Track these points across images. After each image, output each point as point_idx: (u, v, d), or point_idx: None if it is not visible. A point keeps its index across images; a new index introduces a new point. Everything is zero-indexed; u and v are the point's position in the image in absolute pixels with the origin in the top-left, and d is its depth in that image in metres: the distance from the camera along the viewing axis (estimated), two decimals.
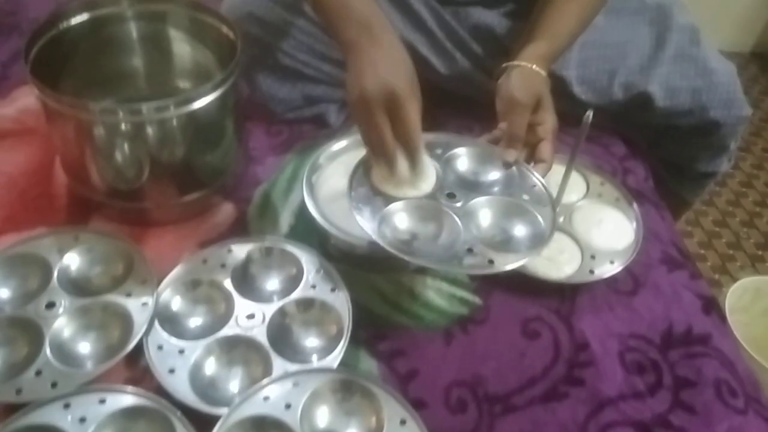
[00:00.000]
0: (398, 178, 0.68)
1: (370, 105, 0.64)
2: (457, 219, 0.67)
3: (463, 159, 0.76)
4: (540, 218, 0.69)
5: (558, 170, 0.83)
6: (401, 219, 0.67)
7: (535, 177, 0.74)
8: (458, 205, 0.69)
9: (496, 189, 0.73)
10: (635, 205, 0.83)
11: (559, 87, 0.95)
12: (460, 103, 0.97)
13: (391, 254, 0.63)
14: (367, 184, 0.70)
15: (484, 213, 0.69)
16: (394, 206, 0.68)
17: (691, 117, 0.96)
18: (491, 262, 0.63)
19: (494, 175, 0.74)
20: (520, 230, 0.69)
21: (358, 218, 0.66)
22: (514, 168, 0.75)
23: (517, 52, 0.83)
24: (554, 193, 0.79)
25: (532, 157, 0.77)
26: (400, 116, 0.65)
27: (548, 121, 0.78)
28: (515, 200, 0.71)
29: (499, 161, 0.75)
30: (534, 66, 0.79)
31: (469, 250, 0.64)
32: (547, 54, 0.82)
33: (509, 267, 0.63)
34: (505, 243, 0.67)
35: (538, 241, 0.67)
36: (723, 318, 0.77)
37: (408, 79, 0.67)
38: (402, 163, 0.68)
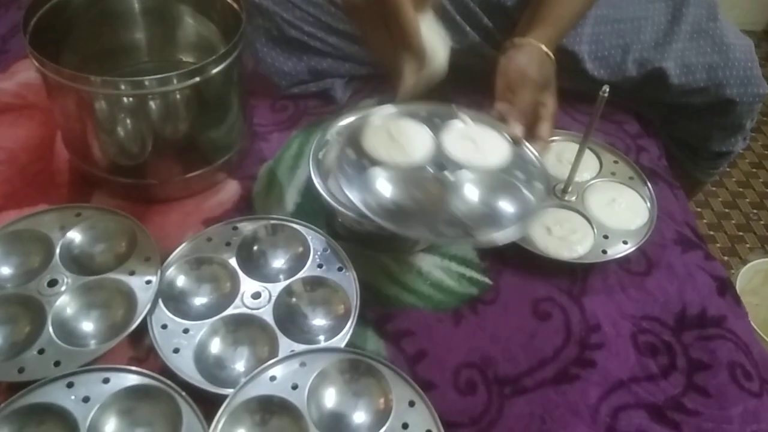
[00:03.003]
0: (393, 134, 0.66)
1: (359, 8, 0.63)
2: (443, 189, 0.66)
3: (457, 132, 0.74)
4: (530, 196, 0.67)
5: (571, 148, 0.81)
6: (385, 186, 0.65)
7: (532, 154, 0.73)
8: (447, 175, 0.67)
9: (490, 163, 0.71)
10: (649, 185, 0.81)
11: (570, 63, 0.92)
12: (470, 78, 0.95)
13: (396, 233, 0.61)
14: (355, 148, 0.67)
15: (473, 186, 0.68)
16: (380, 173, 0.65)
17: (707, 95, 0.94)
18: (470, 234, 0.62)
19: (490, 148, 0.73)
20: (507, 206, 0.67)
21: (341, 182, 0.64)
22: (511, 144, 0.73)
23: (524, 28, 0.81)
24: (567, 173, 0.77)
25: (530, 135, 0.76)
26: (394, 18, 0.62)
27: (550, 103, 0.78)
28: (506, 176, 0.69)
29: (496, 136, 0.74)
30: (544, 47, 0.78)
31: (451, 221, 0.63)
32: (554, 37, 0.81)
33: (488, 240, 0.63)
34: (490, 217, 0.66)
35: (525, 218, 0.66)
36: (738, 300, 0.75)
37: None
38: (408, 69, 0.65)
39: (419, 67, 0.65)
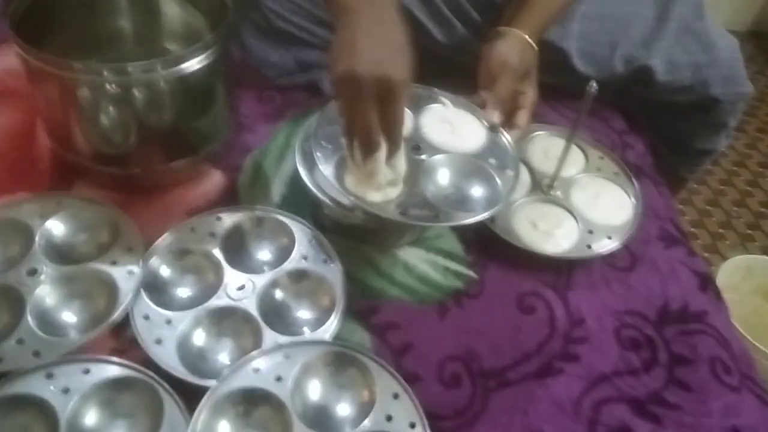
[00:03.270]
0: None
1: (359, 86, 0.57)
2: (416, 171, 0.66)
3: (436, 114, 0.75)
4: (499, 182, 0.68)
5: (557, 143, 0.81)
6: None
7: (507, 142, 0.74)
8: (422, 157, 0.68)
9: (465, 147, 0.72)
10: (634, 181, 0.82)
11: (558, 59, 0.93)
12: (458, 72, 0.95)
13: (385, 225, 0.61)
14: (332, 124, 0.67)
15: (445, 169, 0.69)
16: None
17: (692, 93, 0.95)
18: (437, 217, 0.63)
19: (466, 133, 0.74)
20: (477, 191, 0.68)
21: (316, 157, 0.65)
22: (489, 130, 0.74)
23: (509, 18, 0.81)
24: (553, 168, 0.78)
25: (507, 123, 0.77)
26: (391, 106, 0.59)
27: (530, 92, 0.79)
28: (479, 161, 0.70)
29: (474, 121, 0.75)
30: (527, 37, 0.79)
31: (419, 203, 0.64)
32: (538, 27, 0.81)
33: (452, 224, 0.64)
34: (459, 202, 0.67)
35: (493, 203, 0.67)
36: (719, 295, 0.76)
37: (406, 66, 0.60)
38: (381, 155, 0.61)
39: (389, 158, 0.62)
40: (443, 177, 0.69)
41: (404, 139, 0.65)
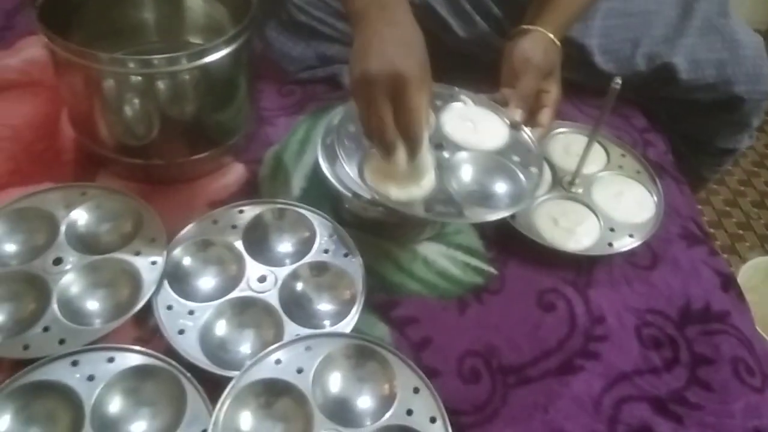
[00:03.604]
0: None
1: (373, 87, 0.57)
2: (439, 169, 0.66)
3: (458, 112, 0.74)
4: (523, 179, 0.68)
5: (579, 140, 0.81)
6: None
7: (530, 139, 0.73)
8: (445, 155, 0.68)
9: (487, 145, 0.71)
10: (657, 179, 0.81)
11: (580, 56, 0.92)
12: (479, 68, 0.94)
13: (406, 220, 0.61)
14: (354, 122, 0.66)
15: (468, 166, 0.69)
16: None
17: (715, 91, 0.93)
18: (461, 214, 0.63)
19: (488, 131, 0.73)
20: (501, 187, 0.68)
21: (340, 156, 0.64)
22: (511, 128, 0.74)
23: (532, 16, 0.81)
24: (574, 165, 0.77)
25: (531, 121, 0.76)
26: (405, 103, 0.58)
27: (554, 91, 0.78)
28: (502, 158, 0.70)
29: (496, 119, 0.74)
30: (551, 35, 0.79)
31: (446, 200, 0.64)
32: (562, 25, 0.81)
33: (477, 221, 0.65)
34: (483, 198, 0.67)
35: (518, 201, 0.66)
36: (741, 296, 0.76)
37: (419, 63, 0.59)
38: (401, 155, 0.61)
39: (409, 158, 0.62)
40: (466, 174, 0.68)
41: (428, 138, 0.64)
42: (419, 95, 0.59)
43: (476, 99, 0.76)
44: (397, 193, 0.63)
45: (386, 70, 0.57)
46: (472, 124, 0.73)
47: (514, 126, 0.74)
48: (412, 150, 0.62)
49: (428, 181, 0.65)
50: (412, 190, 0.64)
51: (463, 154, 0.69)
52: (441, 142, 0.69)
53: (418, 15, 0.65)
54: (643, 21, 0.93)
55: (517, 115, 0.74)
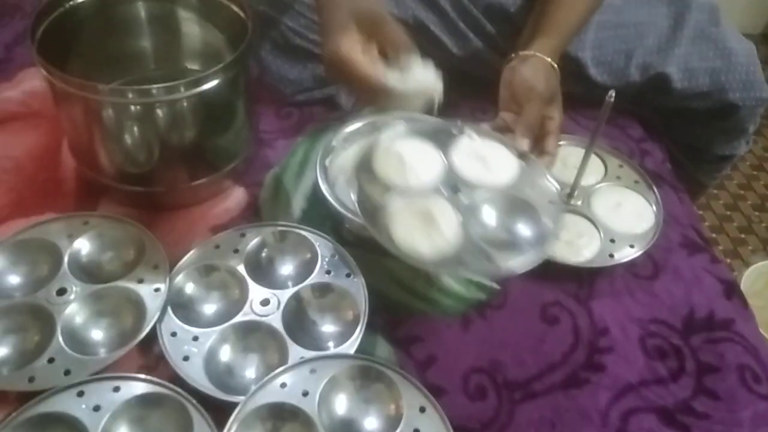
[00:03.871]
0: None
1: (337, 53, 0.66)
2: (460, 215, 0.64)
3: (466, 150, 0.72)
4: (546, 218, 0.66)
5: (576, 152, 0.82)
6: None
7: (540, 170, 0.72)
8: (464, 201, 0.66)
9: (501, 181, 0.70)
10: (655, 188, 0.81)
11: (574, 68, 0.93)
12: (474, 84, 0.95)
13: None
14: (367, 173, 0.67)
15: (489, 209, 0.67)
16: (399, 207, 0.64)
17: (709, 99, 0.94)
18: (492, 262, 0.62)
19: (499, 165, 0.71)
20: (524, 229, 0.66)
21: (367, 226, 0.63)
22: (520, 159, 0.72)
23: (527, 39, 0.82)
24: (572, 177, 0.78)
25: (536, 149, 0.77)
26: (381, 30, 0.67)
27: (557, 117, 0.79)
28: (521, 196, 0.68)
29: (503, 150, 0.72)
30: (549, 60, 0.79)
31: (473, 250, 0.62)
32: (558, 47, 0.82)
33: (515, 270, 0.62)
34: (509, 242, 0.65)
35: (543, 240, 0.65)
36: (744, 302, 0.76)
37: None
38: (394, 75, 0.67)
39: (392, 99, 0.69)
40: (488, 217, 0.66)
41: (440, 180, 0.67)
42: (353, 61, 0.65)
43: (480, 131, 0.74)
44: (423, 244, 0.62)
45: (353, 14, 0.67)
46: (483, 162, 0.71)
47: (523, 156, 0.73)
48: (408, 52, 0.67)
49: (448, 216, 0.64)
50: (435, 240, 0.62)
51: (480, 197, 0.67)
52: (456, 184, 0.68)
53: (411, 33, 0.66)
54: (635, 32, 0.94)
55: (525, 144, 0.74)
